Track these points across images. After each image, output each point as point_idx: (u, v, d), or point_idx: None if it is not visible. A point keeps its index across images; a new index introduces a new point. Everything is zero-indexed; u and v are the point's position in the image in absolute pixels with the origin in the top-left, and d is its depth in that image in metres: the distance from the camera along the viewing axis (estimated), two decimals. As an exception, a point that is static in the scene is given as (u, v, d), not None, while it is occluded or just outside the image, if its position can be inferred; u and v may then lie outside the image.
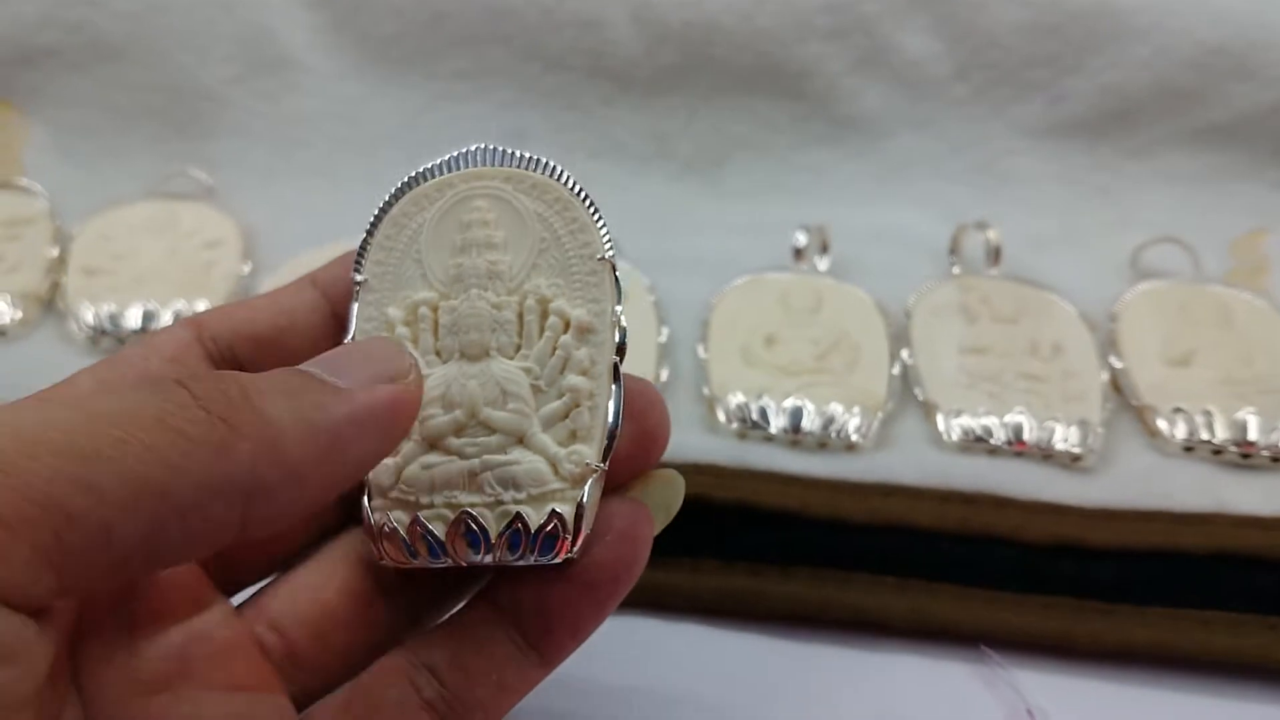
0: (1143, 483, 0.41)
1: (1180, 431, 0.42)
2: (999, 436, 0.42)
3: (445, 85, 0.59)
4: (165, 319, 0.48)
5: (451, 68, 0.59)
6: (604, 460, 0.26)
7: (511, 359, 0.27)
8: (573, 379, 0.26)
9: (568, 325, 0.27)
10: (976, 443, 0.42)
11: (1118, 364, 0.46)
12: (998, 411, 0.43)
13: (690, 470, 0.41)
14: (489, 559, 0.26)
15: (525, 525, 0.26)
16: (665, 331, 0.48)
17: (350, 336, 0.28)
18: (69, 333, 0.48)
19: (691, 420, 0.44)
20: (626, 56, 0.58)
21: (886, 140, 0.58)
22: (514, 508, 0.26)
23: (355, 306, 0.28)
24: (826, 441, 0.42)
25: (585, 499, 0.26)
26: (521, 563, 0.26)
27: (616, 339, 0.27)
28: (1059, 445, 0.42)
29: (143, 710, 0.24)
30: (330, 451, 0.22)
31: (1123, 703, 0.37)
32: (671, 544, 0.40)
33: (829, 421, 0.43)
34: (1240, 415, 0.42)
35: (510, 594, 0.27)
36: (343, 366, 0.23)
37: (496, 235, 0.28)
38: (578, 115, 0.59)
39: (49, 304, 0.50)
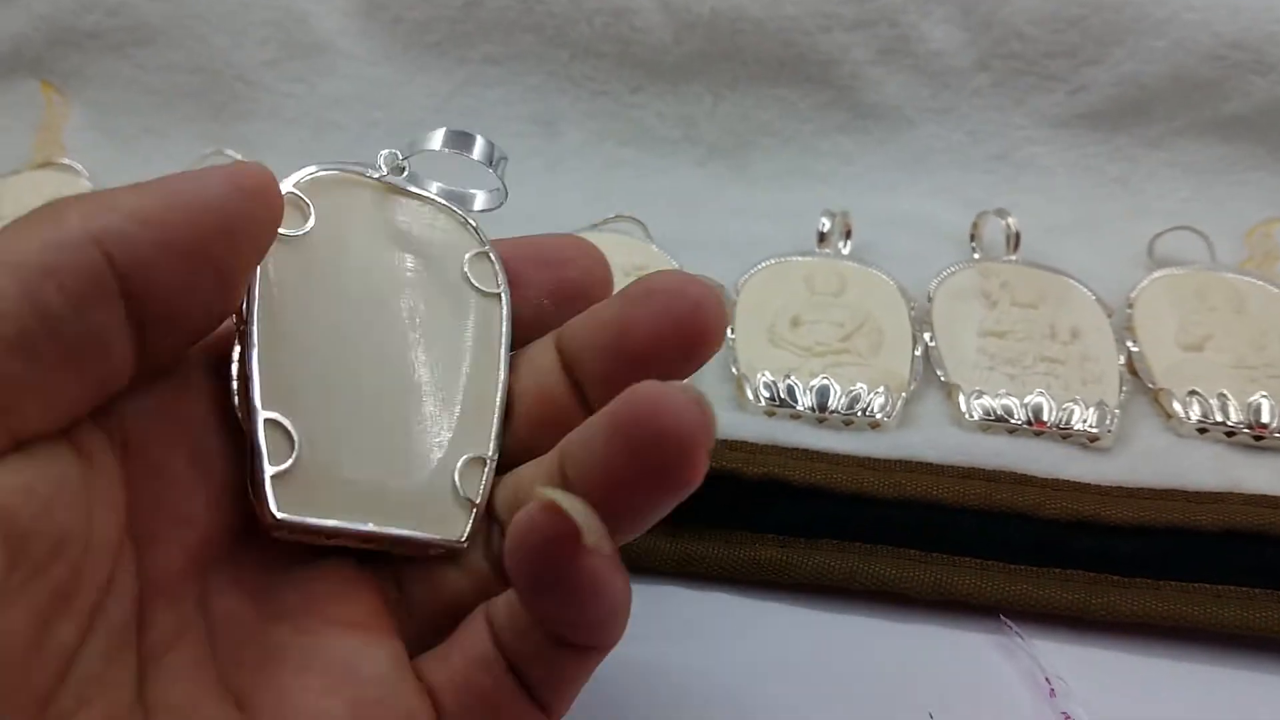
0: (1158, 462, 0.43)
1: (1195, 413, 0.44)
2: (1019, 417, 0.44)
3: (476, 70, 0.61)
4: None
5: (482, 53, 0.60)
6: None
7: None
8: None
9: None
10: (997, 422, 0.44)
11: (1134, 348, 0.47)
12: (1017, 393, 0.44)
13: (721, 446, 0.43)
14: (366, 547, 0.28)
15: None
16: (694, 312, 0.49)
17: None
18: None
19: (721, 398, 0.46)
20: (655, 44, 0.59)
21: (909, 129, 0.60)
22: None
23: None
24: (852, 419, 0.44)
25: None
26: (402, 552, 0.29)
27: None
28: (1077, 425, 0.43)
29: (263, 634, 0.25)
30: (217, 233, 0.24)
31: (1137, 671, 0.38)
32: (705, 516, 0.42)
33: (854, 400, 0.44)
34: (1253, 398, 0.43)
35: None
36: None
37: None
38: (606, 101, 0.60)
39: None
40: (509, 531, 0.23)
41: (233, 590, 0.26)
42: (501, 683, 0.26)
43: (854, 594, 0.40)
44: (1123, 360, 0.46)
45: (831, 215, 0.53)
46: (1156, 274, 0.50)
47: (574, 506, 0.22)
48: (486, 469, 0.29)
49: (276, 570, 0.26)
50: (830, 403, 0.44)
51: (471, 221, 0.34)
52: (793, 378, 0.45)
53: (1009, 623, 0.39)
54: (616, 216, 0.53)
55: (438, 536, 0.28)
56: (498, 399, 0.30)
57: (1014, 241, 0.52)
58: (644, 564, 0.41)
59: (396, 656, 0.26)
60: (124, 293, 0.22)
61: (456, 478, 0.29)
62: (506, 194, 0.35)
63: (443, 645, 0.27)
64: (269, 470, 0.25)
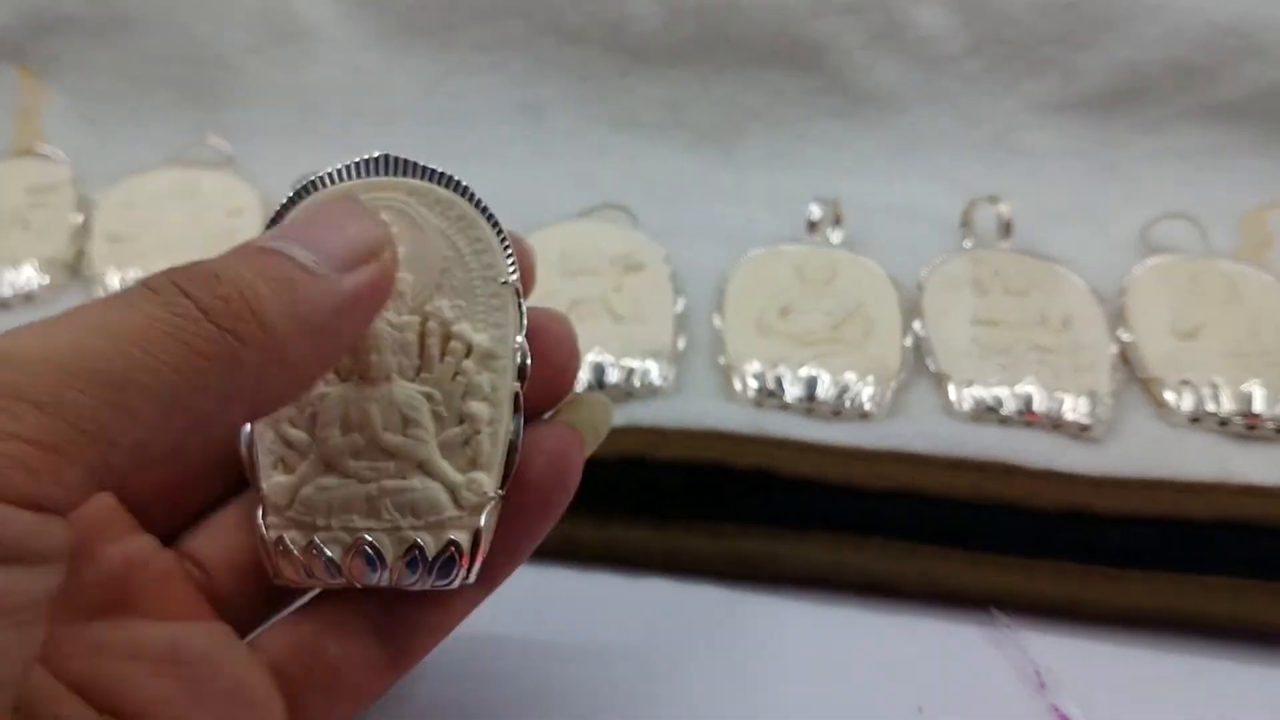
0: (1150, 453, 0.42)
1: (1187, 403, 0.43)
2: (1009, 406, 0.43)
3: (463, 57, 0.60)
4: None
5: (469, 39, 0.60)
6: (502, 488, 0.27)
7: (412, 381, 0.27)
8: (473, 405, 0.26)
9: (470, 350, 0.27)
10: (988, 412, 0.43)
11: (1126, 337, 0.47)
12: (1008, 382, 0.44)
13: (709, 437, 0.42)
14: (385, 581, 0.26)
15: (422, 552, 0.26)
16: (682, 301, 0.48)
17: None
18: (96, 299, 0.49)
19: (708, 388, 0.45)
20: (644, 29, 0.58)
21: (900, 114, 0.59)
22: (411, 534, 0.26)
23: None
24: (841, 410, 0.43)
25: (482, 526, 0.26)
26: (417, 587, 0.27)
27: (518, 365, 0.27)
28: (1068, 415, 0.43)
29: (79, 635, 0.25)
30: (322, 344, 0.23)
31: (1127, 664, 0.38)
32: (691, 508, 0.41)
33: (843, 390, 0.44)
34: (1246, 387, 0.43)
35: (378, 594, 0.28)
36: (318, 239, 0.24)
37: (399, 251, 0.27)
38: (594, 87, 0.60)
39: (75, 270, 0.50)
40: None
41: None
42: (342, 640, 0.27)
43: (843, 586, 0.40)
44: (1115, 349, 0.46)
45: (822, 203, 0.52)
46: (1149, 261, 0.50)
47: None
48: None
49: (83, 561, 0.26)
50: (819, 393, 0.44)
51: None
52: (781, 368, 0.44)
53: (999, 614, 0.39)
54: (604, 204, 0.53)
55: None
56: None
57: (1006, 228, 0.52)
58: (630, 557, 0.41)
59: (219, 635, 0.27)
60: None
61: None
62: None
63: (280, 617, 0.28)
64: None
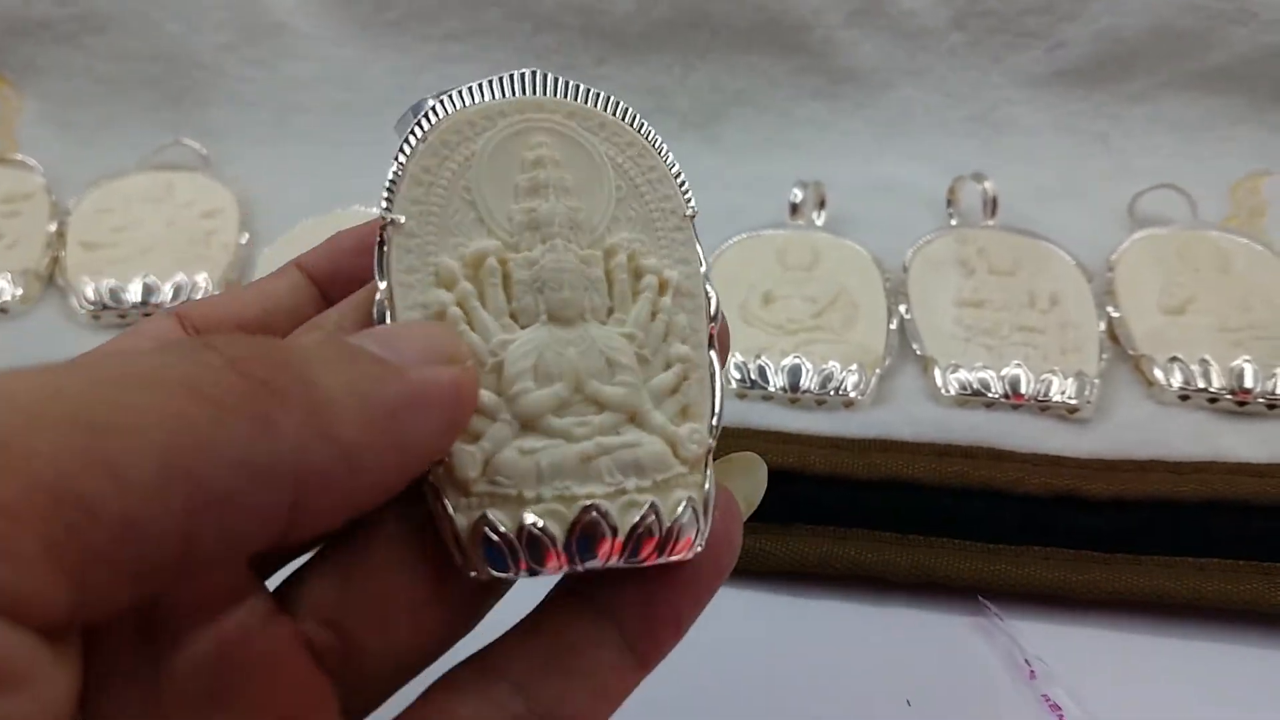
0: (1139, 432, 0.42)
1: (1176, 380, 0.43)
2: (996, 390, 0.43)
3: (439, 47, 0.59)
4: (166, 292, 0.48)
5: (445, 29, 0.59)
6: (712, 437, 0.23)
7: (604, 324, 0.22)
8: (679, 348, 0.23)
9: (664, 286, 0.23)
10: (974, 396, 0.43)
11: (1115, 313, 0.46)
12: (994, 365, 0.43)
13: (691, 431, 0.42)
14: (611, 560, 0.21)
15: (659, 518, 0.21)
16: (664, 292, 0.48)
17: (385, 287, 0.22)
18: (70, 309, 0.48)
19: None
20: (620, 13, 0.57)
21: (885, 92, 0.58)
22: (641, 497, 0.21)
23: (388, 252, 0.22)
24: (825, 399, 0.43)
25: (708, 483, 0.22)
26: (649, 561, 0.21)
27: (715, 313, 0.23)
28: (1056, 397, 0.42)
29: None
30: (388, 432, 0.18)
31: (1119, 650, 0.38)
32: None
33: (827, 379, 0.43)
34: (1236, 363, 0.42)
35: (607, 588, 0.22)
36: (394, 342, 0.20)
37: (569, 178, 0.23)
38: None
39: (49, 280, 0.50)
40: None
41: (118, 683, 0.20)
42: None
43: (829, 579, 0.40)
44: (1103, 327, 0.45)
45: (804, 185, 0.52)
46: (1138, 235, 0.49)
47: None
48: None
49: (169, 645, 0.19)
50: (802, 382, 0.43)
51: None
52: (764, 357, 0.44)
53: (988, 604, 0.38)
54: None
55: None
56: None
57: (991, 206, 0.51)
58: (614, 555, 0.40)
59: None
60: None
61: None
62: None
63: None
64: None
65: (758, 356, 0.44)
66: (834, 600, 0.40)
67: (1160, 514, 0.39)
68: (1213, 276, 0.47)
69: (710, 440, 0.22)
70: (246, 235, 0.52)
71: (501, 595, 0.23)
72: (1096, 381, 0.43)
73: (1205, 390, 0.42)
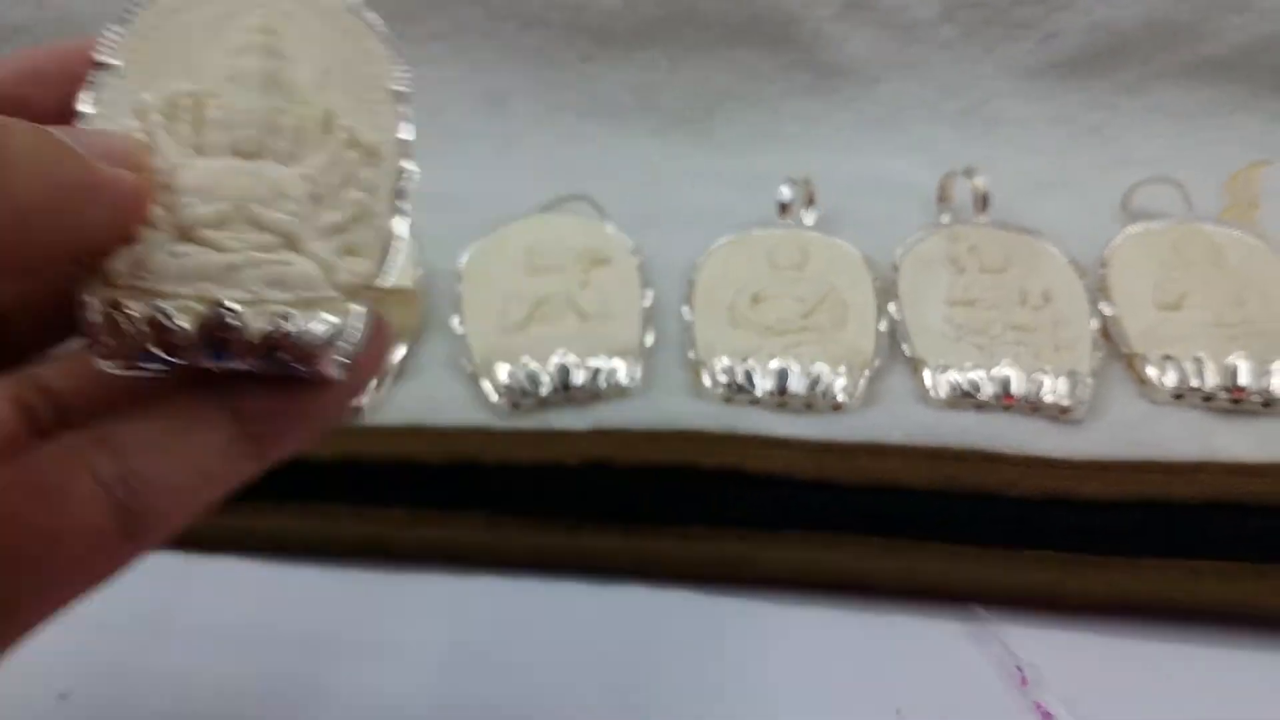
0: (1133, 432, 0.41)
1: (1170, 379, 0.42)
2: (986, 391, 0.42)
3: (422, 48, 0.58)
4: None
5: (428, 29, 0.58)
6: (379, 278, 0.24)
7: (288, 166, 0.24)
8: (355, 194, 0.24)
9: (352, 142, 0.25)
10: (964, 398, 0.42)
11: (1108, 310, 0.45)
12: (985, 365, 0.43)
13: (676, 438, 0.41)
14: (243, 364, 0.22)
15: (296, 329, 0.22)
16: (650, 294, 0.47)
17: (84, 116, 0.24)
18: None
19: (678, 385, 0.44)
20: (605, 9, 0.57)
21: (876, 86, 0.57)
22: (277, 307, 0.22)
23: (96, 93, 0.24)
24: (813, 402, 0.42)
25: (361, 312, 0.23)
26: (277, 369, 0.23)
27: (402, 175, 0.25)
28: (1047, 398, 0.41)
29: None
30: (61, 209, 0.20)
31: (1114, 655, 0.37)
32: (661, 511, 0.40)
33: (815, 382, 0.42)
34: (1231, 360, 0.41)
35: (237, 380, 0.23)
36: (83, 138, 0.21)
37: (281, 43, 0.25)
38: (558, 72, 0.58)
39: None
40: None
41: None
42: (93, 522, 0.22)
43: (818, 585, 0.39)
44: (1096, 324, 0.44)
45: (793, 184, 0.51)
46: (1131, 229, 0.48)
47: None
48: None
49: None
50: (790, 385, 0.42)
51: None
52: (751, 361, 0.43)
53: (980, 609, 0.38)
54: (570, 196, 0.51)
55: None
56: None
57: (983, 202, 0.50)
58: (598, 564, 0.40)
59: None
60: None
61: None
62: None
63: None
64: None
65: (745, 360, 0.43)
66: (822, 607, 0.39)
67: (1154, 515, 0.39)
68: (1207, 271, 0.46)
69: (372, 277, 0.23)
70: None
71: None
72: (1089, 381, 0.42)
73: (1200, 389, 0.41)
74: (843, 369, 0.43)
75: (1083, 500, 0.39)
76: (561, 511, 0.41)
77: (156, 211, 0.23)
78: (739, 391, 0.43)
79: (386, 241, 0.24)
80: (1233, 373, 0.41)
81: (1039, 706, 0.35)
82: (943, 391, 0.42)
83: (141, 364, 0.22)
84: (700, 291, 0.47)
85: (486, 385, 0.43)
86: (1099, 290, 0.46)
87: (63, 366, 0.25)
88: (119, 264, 0.22)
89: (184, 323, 0.22)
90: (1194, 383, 0.41)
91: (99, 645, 0.39)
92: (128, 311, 0.22)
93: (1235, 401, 0.41)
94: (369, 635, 0.39)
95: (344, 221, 0.24)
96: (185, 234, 0.23)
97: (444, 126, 0.58)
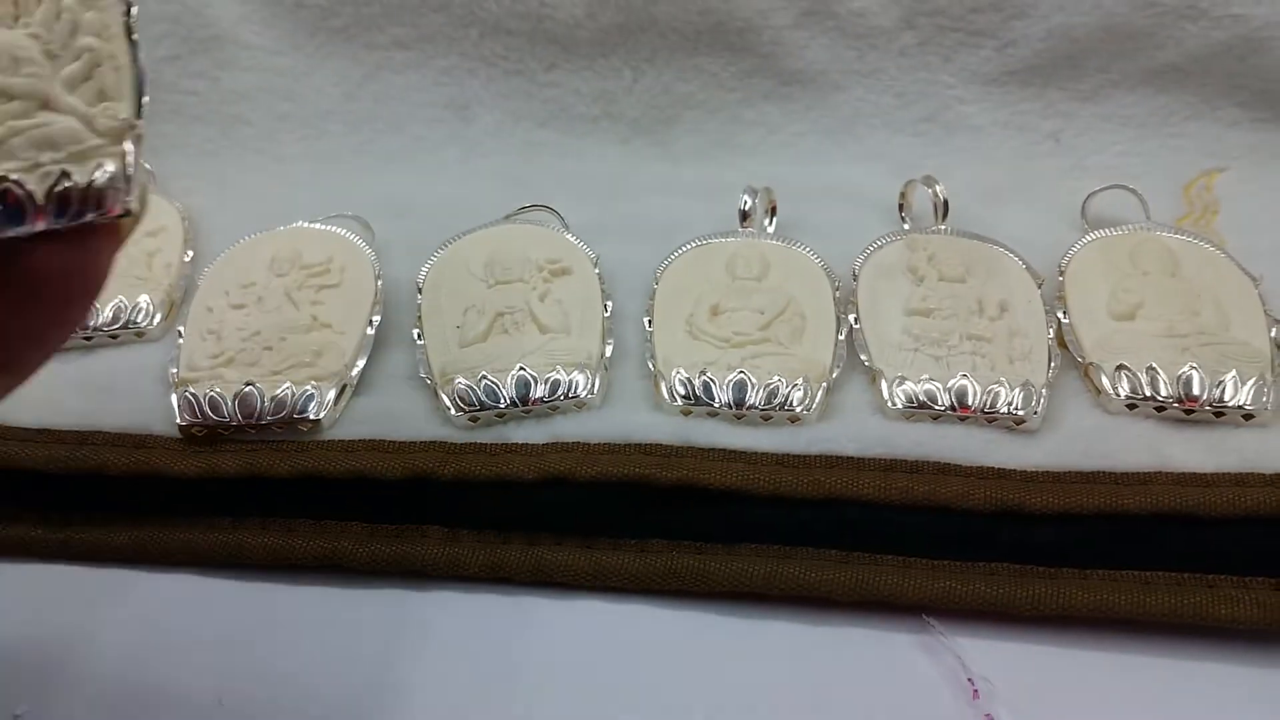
0: (1086, 443, 0.41)
1: (1124, 389, 0.42)
2: (942, 402, 0.42)
3: (385, 55, 0.58)
4: (105, 315, 0.47)
5: (390, 37, 0.58)
6: (138, 118, 0.25)
7: (12, 30, 0.25)
8: (87, 39, 0.25)
9: None
10: (920, 409, 0.42)
11: (1064, 319, 0.45)
12: (941, 377, 0.43)
13: (634, 451, 0.41)
14: (38, 225, 0.24)
15: (75, 183, 0.24)
16: (610, 306, 0.47)
17: None
18: None
19: (637, 397, 0.44)
20: (567, 18, 0.56)
21: (835, 94, 0.58)
22: (55, 168, 0.24)
23: None
24: (770, 415, 0.42)
25: (128, 151, 0.25)
26: (75, 221, 0.24)
27: (128, 9, 0.26)
28: (1002, 409, 0.42)
29: None
30: None
31: (1065, 667, 0.37)
32: (618, 525, 0.41)
33: (772, 394, 0.42)
34: (1184, 370, 0.42)
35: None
36: None
37: None
38: (521, 80, 0.58)
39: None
40: None
41: None
42: None
43: (774, 599, 0.39)
44: (1052, 334, 0.45)
45: (754, 192, 0.51)
46: (1089, 238, 0.49)
47: None
48: None
49: None
50: (748, 398, 0.42)
51: None
52: (709, 373, 0.43)
53: (932, 622, 0.38)
54: (531, 206, 0.51)
55: None
56: None
57: (942, 210, 0.50)
58: (557, 578, 0.40)
59: None
60: None
61: None
62: None
63: None
64: None
65: (703, 372, 0.43)
66: (776, 620, 0.39)
67: (1106, 527, 0.39)
68: (1162, 280, 0.46)
69: (130, 116, 0.25)
70: (190, 253, 0.51)
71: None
72: (1044, 392, 0.42)
73: (1153, 399, 0.42)
74: (800, 381, 0.43)
75: (1034, 512, 0.39)
76: (519, 525, 0.41)
77: None
78: (697, 404, 0.43)
79: (133, 78, 0.25)
80: (1186, 383, 0.42)
81: (990, 719, 0.36)
82: (899, 403, 0.43)
83: None
84: (660, 302, 0.47)
85: (445, 398, 0.43)
86: (1056, 299, 0.46)
87: None
88: None
89: None
90: (1147, 393, 0.42)
91: (51, 664, 0.39)
92: None
93: (1188, 412, 0.41)
94: (326, 650, 0.39)
95: (85, 69, 0.25)
96: None
97: (410, 135, 0.58)
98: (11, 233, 0.23)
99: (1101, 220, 0.51)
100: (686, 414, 0.43)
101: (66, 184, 0.24)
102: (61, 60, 0.25)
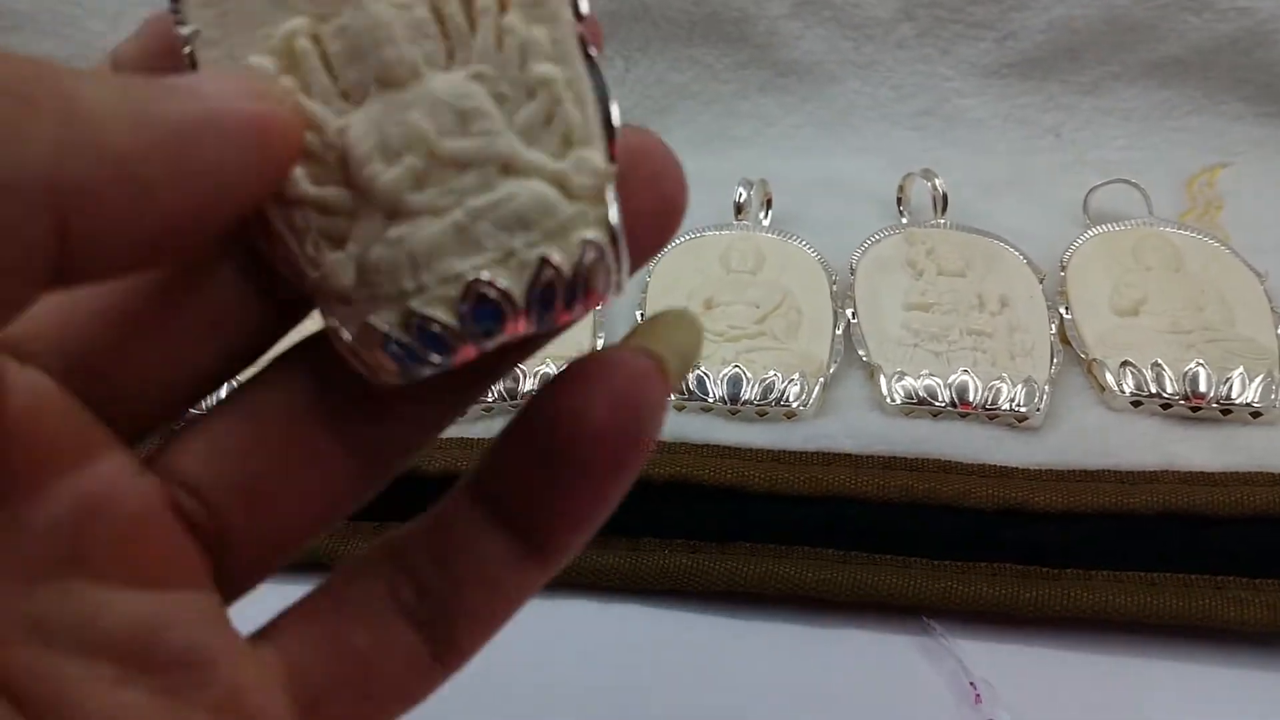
0: (1090, 440, 0.40)
1: (1128, 385, 0.41)
2: (943, 398, 0.41)
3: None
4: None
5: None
6: (612, 161, 0.19)
7: (449, 69, 0.19)
8: (541, 68, 0.19)
9: (504, 2, 0.19)
10: (920, 405, 0.41)
11: (1066, 315, 0.44)
12: (942, 372, 0.42)
13: (625, 446, 0.40)
14: (521, 329, 0.19)
15: (557, 270, 0.18)
16: (601, 299, 0.46)
17: None
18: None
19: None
20: (558, 6, 0.55)
21: (832, 85, 0.57)
22: (532, 254, 0.18)
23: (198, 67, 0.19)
24: (766, 410, 0.41)
25: (611, 212, 0.19)
26: (565, 319, 0.19)
27: (579, 12, 0.19)
28: (1004, 405, 0.41)
29: (14, 607, 0.18)
30: (174, 153, 0.16)
31: (1068, 670, 0.36)
32: (610, 523, 0.39)
33: (768, 389, 0.41)
34: (1190, 367, 0.41)
35: (493, 484, 0.21)
36: (192, 79, 0.17)
37: None
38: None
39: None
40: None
41: None
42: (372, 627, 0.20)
43: (769, 599, 0.38)
44: (1054, 330, 0.44)
45: (749, 184, 0.50)
46: (1090, 233, 0.48)
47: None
48: None
49: (20, 500, 0.18)
50: (743, 393, 0.41)
51: None
52: (703, 367, 0.42)
53: (932, 623, 0.37)
54: None
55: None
56: None
57: (941, 204, 0.49)
58: (546, 579, 0.39)
59: (212, 615, 0.19)
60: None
61: None
62: None
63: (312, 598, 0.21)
64: None
65: (697, 366, 0.42)
66: (773, 621, 0.38)
67: (1111, 527, 0.38)
68: (1165, 275, 0.45)
69: (606, 164, 0.19)
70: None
71: (402, 457, 0.21)
72: (1046, 388, 0.41)
73: (1158, 395, 0.41)
74: (796, 376, 0.42)
75: (1038, 511, 0.38)
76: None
77: (339, 196, 0.19)
78: (690, 398, 0.42)
79: (599, 106, 0.19)
80: (1192, 379, 0.40)
81: (993, 723, 0.35)
82: (898, 399, 0.41)
83: (414, 371, 0.19)
84: (652, 296, 0.46)
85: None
86: (1058, 294, 0.45)
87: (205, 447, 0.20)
88: (342, 278, 0.19)
89: (444, 316, 0.18)
90: (1152, 389, 0.41)
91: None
92: (377, 328, 0.19)
93: (1194, 409, 0.40)
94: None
95: (544, 110, 0.19)
96: (391, 211, 0.19)
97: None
98: (488, 345, 0.19)
99: (1103, 215, 0.50)
100: (680, 409, 0.42)
101: (549, 273, 0.18)
102: (513, 103, 0.19)
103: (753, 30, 0.55)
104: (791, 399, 0.41)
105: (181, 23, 0.19)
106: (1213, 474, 0.39)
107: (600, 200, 0.19)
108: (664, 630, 0.38)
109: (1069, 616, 0.37)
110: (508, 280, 0.18)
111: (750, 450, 0.40)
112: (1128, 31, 0.53)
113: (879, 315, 0.45)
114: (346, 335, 0.19)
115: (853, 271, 0.46)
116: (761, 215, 0.50)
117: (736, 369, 0.42)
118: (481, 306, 0.18)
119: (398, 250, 0.18)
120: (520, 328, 0.18)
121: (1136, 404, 0.41)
